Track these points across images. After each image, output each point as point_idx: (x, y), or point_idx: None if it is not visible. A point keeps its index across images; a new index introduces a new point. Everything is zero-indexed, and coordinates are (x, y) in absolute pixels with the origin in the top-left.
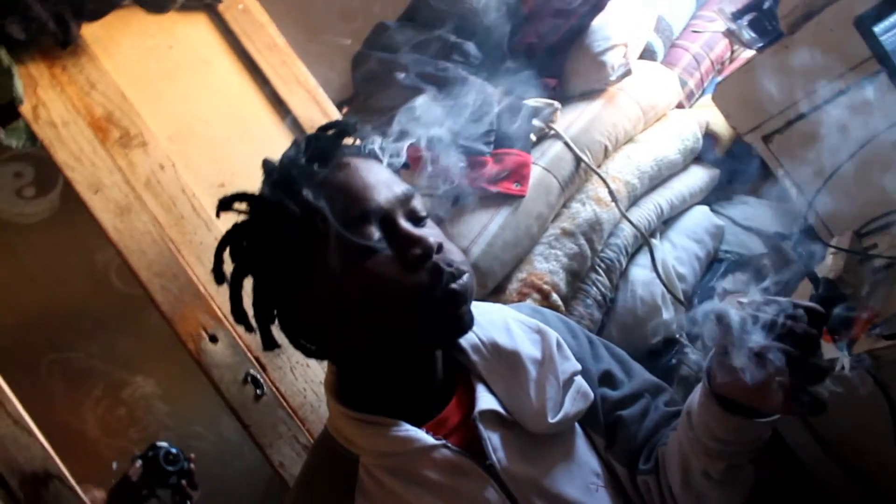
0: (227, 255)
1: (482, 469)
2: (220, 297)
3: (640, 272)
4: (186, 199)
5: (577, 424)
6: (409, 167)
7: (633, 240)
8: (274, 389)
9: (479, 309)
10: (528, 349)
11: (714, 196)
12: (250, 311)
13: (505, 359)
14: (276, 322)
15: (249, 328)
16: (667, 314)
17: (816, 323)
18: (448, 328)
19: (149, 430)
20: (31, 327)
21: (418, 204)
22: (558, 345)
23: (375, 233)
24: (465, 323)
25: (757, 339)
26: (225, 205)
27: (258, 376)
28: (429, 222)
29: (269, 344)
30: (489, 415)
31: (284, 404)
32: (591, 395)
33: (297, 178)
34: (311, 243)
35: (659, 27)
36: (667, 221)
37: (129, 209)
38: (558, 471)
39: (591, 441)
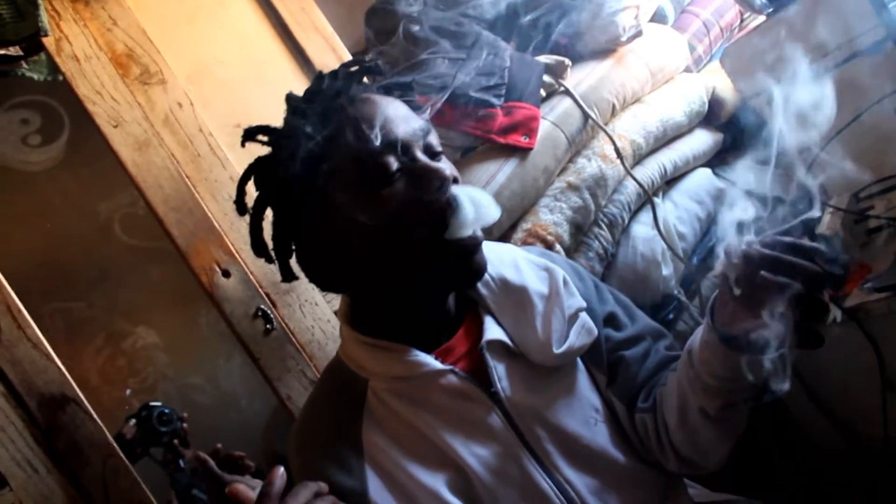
0: (249, 187)
1: (487, 396)
2: (233, 233)
3: (642, 229)
4: (203, 138)
5: (579, 361)
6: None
7: (636, 197)
8: (283, 325)
9: (488, 246)
10: (536, 285)
11: (717, 159)
12: (270, 244)
13: (513, 293)
14: (294, 254)
15: (269, 259)
16: (666, 271)
17: (822, 263)
18: (462, 276)
19: (148, 380)
20: (34, 276)
21: (434, 139)
22: (565, 282)
23: (394, 163)
24: (479, 270)
25: (766, 272)
26: (249, 135)
27: (269, 312)
28: (444, 158)
29: (287, 275)
30: (496, 345)
31: (293, 340)
32: (595, 330)
33: (320, 109)
34: (332, 171)
35: None
36: (670, 182)
37: (148, 144)
38: (560, 403)
39: (593, 378)
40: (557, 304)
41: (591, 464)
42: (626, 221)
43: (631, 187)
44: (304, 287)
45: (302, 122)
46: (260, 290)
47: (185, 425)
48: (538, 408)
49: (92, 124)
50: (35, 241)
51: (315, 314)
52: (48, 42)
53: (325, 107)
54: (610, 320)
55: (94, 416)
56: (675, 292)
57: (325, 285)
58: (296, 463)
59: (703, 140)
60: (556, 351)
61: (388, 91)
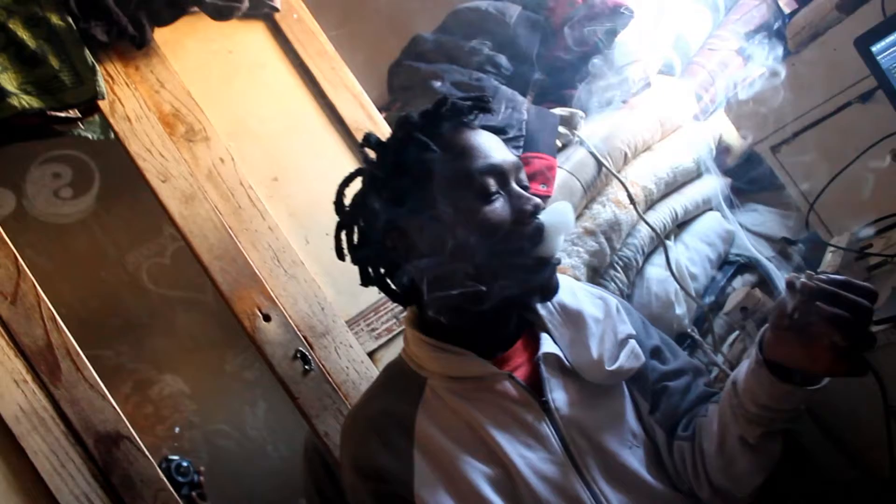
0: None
1: (538, 404)
2: (272, 279)
3: (655, 270)
4: (243, 191)
5: (625, 387)
6: None
7: (649, 240)
8: (320, 366)
9: None
10: (591, 309)
11: (725, 203)
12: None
13: (570, 316)
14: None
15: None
16: (679, 310)
17: (870, 300)
18: (538, 289)
19: (176, 427)
20: (68, 324)
21: (524, 175)
22: (617, 309)
23: (493, 185)
24: (555, 286)
25: (822, 305)
26: (366, 140)
27: (307, 353)
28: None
29: (365, 280)
30: (551, 359)
31: (329, 380)
32: (643, 357)
33: (434, 131)
34: (441, 184)
35: (677, 45)
36: (681, 225)
37: (193, 198)
38: (603, 421)
39: (636, 404)
40: (610, 328)
41: (625, 483)
42: (640, 264)
43: (644, 231)
44: (339, 330)
45: (417, 139)
46: (298, 333)
47: (202, 478)
48: (584, 422)
49: (121, 177)
50: (65, 291)
51: (349, 356)
52: (103, 104)
53: (438, 129)
54: (655, 353)
55: (146, 452)
56: (689, 330)
57: (396, 296)
58: (346, 444)
59: (711, 184)
60: (608, 368)
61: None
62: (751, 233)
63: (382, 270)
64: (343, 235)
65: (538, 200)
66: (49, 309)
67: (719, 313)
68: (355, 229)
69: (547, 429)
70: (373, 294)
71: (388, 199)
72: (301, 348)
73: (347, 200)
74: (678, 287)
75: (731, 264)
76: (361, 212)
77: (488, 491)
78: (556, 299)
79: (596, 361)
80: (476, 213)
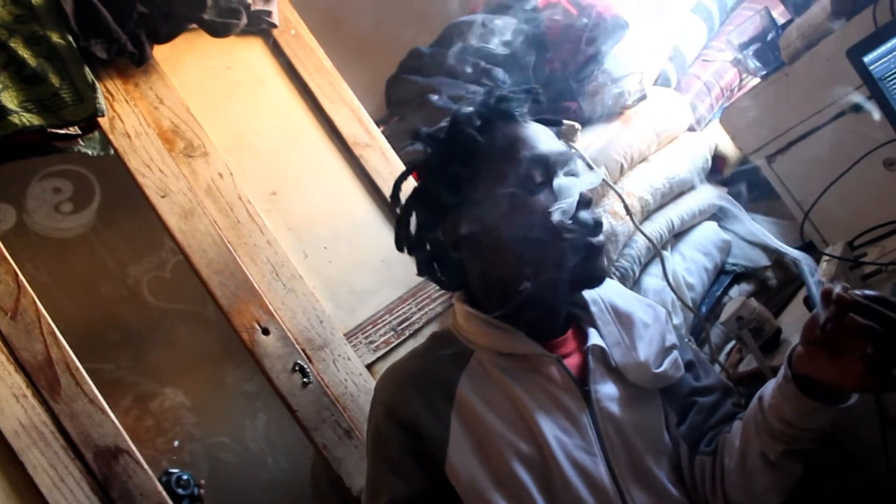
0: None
1: (581, 392)
2: (271, 293)
3: (652, 281)
4: (242, 206)
5: (660, 398)
6: None
7: (645, 251)
8: (319, 379)
9: None
10: (640, 314)
11: (722, 213)
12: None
13: (620, 316)
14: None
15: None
16: (676, 320)
17: None
18: (586, 275)
19: (176, 440)
20: (68, 339)
21: (574, 166)
22: (667, 318)
23: (538, 175)
24: (600, 272)
25: (855, 317)
26: (416, 135)
27: (305, 366)
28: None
29: (422, 269)
30: (598, 352)
31: (328, 392)
32: (682, 368)
33: (483, 123)
34: (489, 172)
35: (673, 57)
36: (678, 235)
37: (193, 213)
38: (638, 424)
39: (666, 415)
40: (658, 333)
41: (650, 486)
42: (637, 274)
43: (641, 241)
44: (338, 343)
45: (469, 130)
46: (297, 346)
47: (202, 491)
48: (620, 420)
49: (121, 192)
50: (66, 305)
51: (348, 368)
52: (103, 121)
53: (487, 123)
54: (689, 367)
55: (145, 466)
56: (686, 340)
57: (444, 283)
58: (383, 392)
59: (708, 194)
60: (655, 371)
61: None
62: (747, 242)
63: (437, 260)
64: (401, 227)
65: (586, 194)
66: (49, 324)
67: (716, 323)
68: (412, 220)
69: (586, 418)
70: (371, 307)
71: (442, 190)
72: (300, 361)
73: (404, 195)
74: (675, 297)
75: (727, 274)
76: (418, 203)
77: (518, 467)
78: (607, 300)
79: (642, 363)
80: (521, 204)
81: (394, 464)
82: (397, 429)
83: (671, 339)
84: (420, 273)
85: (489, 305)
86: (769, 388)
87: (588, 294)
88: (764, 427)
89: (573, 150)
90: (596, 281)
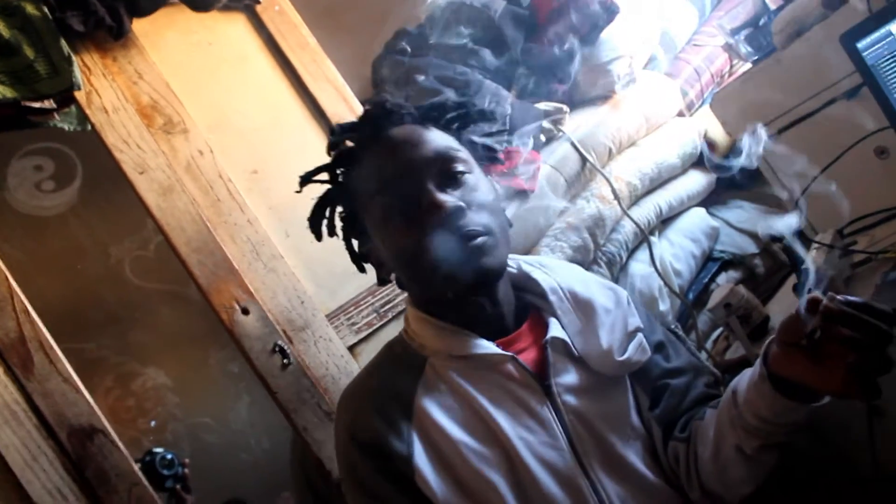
0: None
1: (541, 388)
2: (251, 273)
3: (639, 266)
4: (223, 184)
5: (628, 381)
6: None
7: (633, 236)
8: (299, 360)
9: (557, 263)
10: (602, 299)
11: (710, 199)
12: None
13: (580, 304)
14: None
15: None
16: (663, 306)
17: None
18: (467, 278)
19: (158, 420)
20: (46, 317)
21: (457, 163)
22: (628, 301)
23: (406, 194)
24: (483, 271)
25: (841, 328)
26: (306, 180)
27: (285, 347)
28: (467, 179)
29: (359, 267)
30: (558, 344)
31: (308, 374)
32: (649, 351)
33: (346, 155)
34: (358, 202)
35: (663, 41)
36: (665, 221)
37: (171, 190)
38: (605, 412)
39: (637, 399)
40: (620, 318)
41: (623, 475)
42: (624, 260)
43: (628, 227)
44: (319, 324)
45: (333, 163)
46: (277, 326)
47: (186, 470)
48: (585, 410)
49: (104, 170)
50: (47, 284)
51: (329, 350)
52: (79, 95)
53: (351, 149)
54: (659, 348)
55: (121, 446)
56: (673, 327)
57: (379, 280)
58: (344, 416)
59: (696, 181)
60: (618, 359)
61: (426, 117)
62: (735, 229)
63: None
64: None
65: (448, 206)
66: (22, 301)
67: (703, 310)
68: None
69: (549, 413)
70: (353, 288)
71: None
72: (280, 342)
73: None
74: (662, 283)
75: (715, 261)
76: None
77: (486, 473)
78: (566, 287)
79: (605, 351)
80: (387, 231)
81: (368, 489)
82: (363, 454)
83: (634, 322)
84: (359, 270)
85: (439, 303)
86: (743, 382)
87: (546, 282)
88: (739, 422)
89: (561, 134)
90: (485, 280)
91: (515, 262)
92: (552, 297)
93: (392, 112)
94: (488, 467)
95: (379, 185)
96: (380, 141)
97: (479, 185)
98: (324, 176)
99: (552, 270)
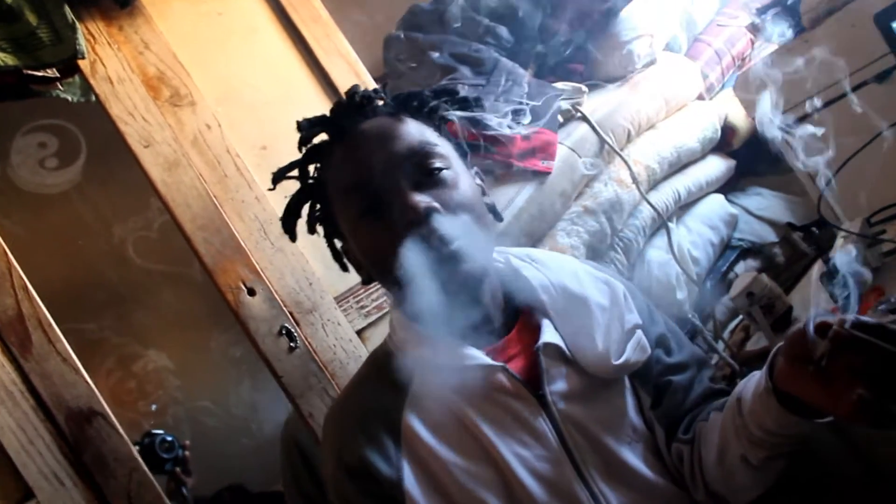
0: None
1: (535, 398)
2: (258, 252)
3: (657, 253)
4: (230, 159)
5: (627, 380)
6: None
7: (651, 222)
8: (306, 344)
9: (548, 256)
10: (596, 296)
11: (729, 186)
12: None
13: (573, 302)
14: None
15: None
16: (680, 294)
17: None
18: (443, 285)
19: (159, 403)
20: (47, 297)
21: (434, 159)
22: (624, 296)
23: (362, 202)
24: (458, 278)
25: (855, 354)
26: (279, 177)
27: (292, 330)
28: (444, 176)
29: (341, 266)
30: (552, 349)
31: (316, 358)
32: (649, 349)
33: (317, 151)
34: (332, 202)
35: (684, 21)
36: (683, 207)
37: (177, 164)
38: (603, 417)
39: (638, 398)
40: (617, 317)
41: (625, 481)
42: (642, 245)
43: (646, 212)
44: (327, 307)
45: (302, 160)
46: (284, 308)
47: (187, 453)
48: (582, 417)
49: (109, 149)
50: (48, 263)
51: (337, 333)
52: (83, 64)
53: (323, 145)
54: (660, 342)
55: (120, 430)
56: (690, 316)
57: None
58: (331, 441)
59: (716, 166)
60: (615, 362)
61: (402, 108)
62: (754, 217)
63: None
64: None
65: (421, 207)
66: (21, 278)
67: (721, 299)
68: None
69: (543, 424)
70: None
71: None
72: (286, 325)
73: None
74: (679, 270)
75: (733, 249)
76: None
77: (481, 494)
78: (558, 284)
79: (601, 354)
80: (358, 234)
81: None
82: (350, 478)
83: (632, 319)
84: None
85: (415, 312)
86: (749, 389)
87: (537, 280)
88: (744, 433)
89: (579, 114)
90: (464, 288)
91: (504, 255)
92: (544, 296)
93: (363, 104)
94: (481, 487)
95: (350, 184)
96: (351, 136)
97: (459, 181)
98: (297, 172)
99: (543, 265)
